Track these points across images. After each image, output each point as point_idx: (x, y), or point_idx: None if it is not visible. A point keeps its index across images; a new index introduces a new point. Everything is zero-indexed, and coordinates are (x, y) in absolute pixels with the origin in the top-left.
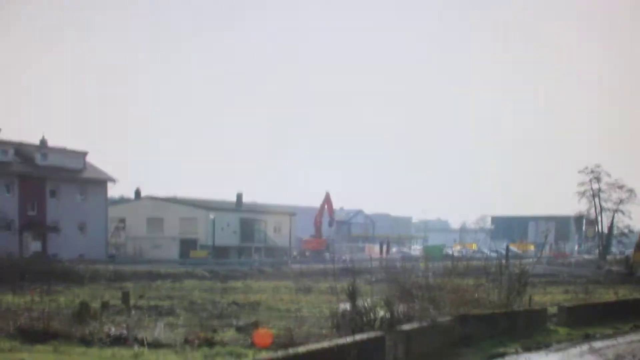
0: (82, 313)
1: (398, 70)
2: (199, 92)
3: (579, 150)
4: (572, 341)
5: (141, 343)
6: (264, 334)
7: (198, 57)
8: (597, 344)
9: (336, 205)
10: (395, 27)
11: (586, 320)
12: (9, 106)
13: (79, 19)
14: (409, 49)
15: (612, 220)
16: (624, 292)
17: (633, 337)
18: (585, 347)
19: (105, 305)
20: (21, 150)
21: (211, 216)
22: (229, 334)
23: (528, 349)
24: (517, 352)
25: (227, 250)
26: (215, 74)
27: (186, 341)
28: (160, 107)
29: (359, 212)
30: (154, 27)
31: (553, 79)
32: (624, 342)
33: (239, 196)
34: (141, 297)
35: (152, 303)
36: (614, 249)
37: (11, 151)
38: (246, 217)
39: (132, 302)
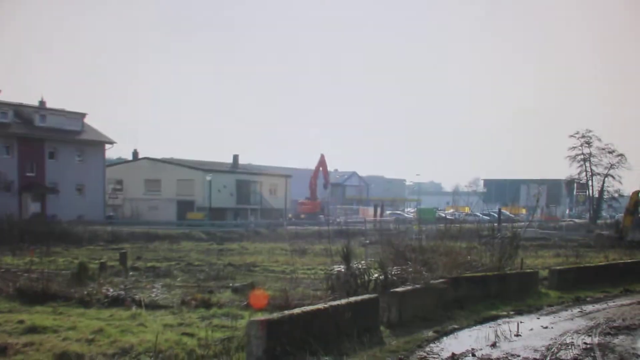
0: (81, 274)
1: (395, 32)
2: (196, 55)
3: (571, 115)
4: (563, 304)
5: (139, 304)
6: (259, 296)
7: (195, 19)
8: (588, 308)
9: (331, 167)
10: None
11: (577, 283)
12: (9, 68)
13: None
14: (407, 9)
15: (603, 184)
16: (614, 256)
17: (623, 300)
18: (576, 310)
19: (103, 267)
20: (20, 112)
21: (208, 178)
22: (226, 295)
23: (520, 312)
24: (509, 315)
25: (224, 212)
26: (211, 35)
27: (183, 302)
28: (157, 69)
29: (353, 174)
30: None
31: (548, 45)
32: (614, 305)
33: (235, 158)
34: (138, 258)
35: (150, 264)
36: (604, 213)
37: (10, 113)
38: (242, 178)
39: (129, 263)
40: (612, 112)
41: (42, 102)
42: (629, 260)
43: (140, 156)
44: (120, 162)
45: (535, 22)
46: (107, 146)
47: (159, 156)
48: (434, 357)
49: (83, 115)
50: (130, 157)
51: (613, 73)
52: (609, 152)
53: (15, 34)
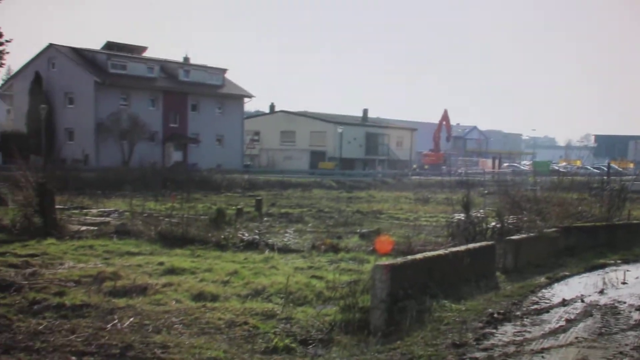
0: (218, 219)
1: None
2: (329, 20)
3: None
4: None
5: (272, 248)
6: (385, 241)
7: None
8: None
9: (453, 121)
10: None
11: None
12: (156, 26)
13: None
14: None
15: None
16: None
17: None
18: None
19: (239, 212)
20: (166, 67)
21: (339, 130)
22: (353, 241)
23: (626, 260)
24: (616, 264)
25: (353, 162)
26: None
27: (313, 247)
28: (292, 33)
29: (473, 129)
30: None
31: None
32: None
33: (365, 112)
34: (273, 205)
35: (283, 211)
36: None
37: (157, 68)
38: (371, 131)
39: (264, 209)
40: None
41: (186, 58)
42: None
43: (276, 109)
44: (258, 114)
45: None
46: (245, 100)
47: (294, 109)
48: (546, 302)
49: (224, 70)
50: (267, 110)
51: None
52: None
53: None
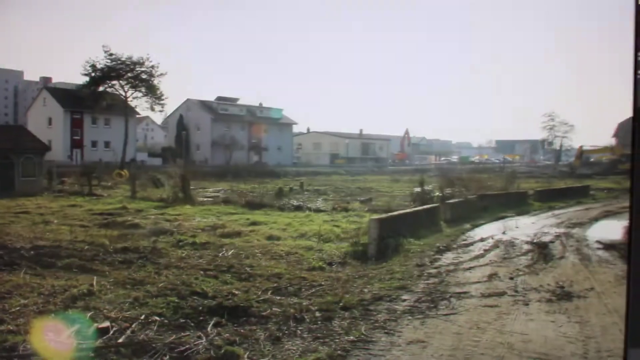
0: (279, 193)
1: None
2: (338, 65)
3: (552, 96)
4: (542, 210)
5: (310, 209)
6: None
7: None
8: (557, 212)
9: (411, 134)
10: None
11: (549, 198)
12: (246, 85)
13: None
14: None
15: (561, 142)
16: (570, 182)
17: (576, 208)
18: (549, 213)
19: (291, 189)
20: (249, 109)
21: (346, 141)
22: (356, 205)
23: (519, 213)
24: (512, 216)
25: (354, 160)
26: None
27: (333, 208)
28: (325, 63)
29: (423, 138)
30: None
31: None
32: (571, 210)
33: (361, 130)
34: (309, 185)
35: (315, 187)
36: (563, 158)
37: (244, 109)
38: (364, 142)
39: (305, 187)
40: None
41: (260, 104)
42: (579, 185)
43: (311, 130)
44: (301, 134)
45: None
46: (293, 125)
47: (320, 130)
48: (471, 239)
49: (281, 109)
50: (305, 131)
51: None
52: (565, 124)
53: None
